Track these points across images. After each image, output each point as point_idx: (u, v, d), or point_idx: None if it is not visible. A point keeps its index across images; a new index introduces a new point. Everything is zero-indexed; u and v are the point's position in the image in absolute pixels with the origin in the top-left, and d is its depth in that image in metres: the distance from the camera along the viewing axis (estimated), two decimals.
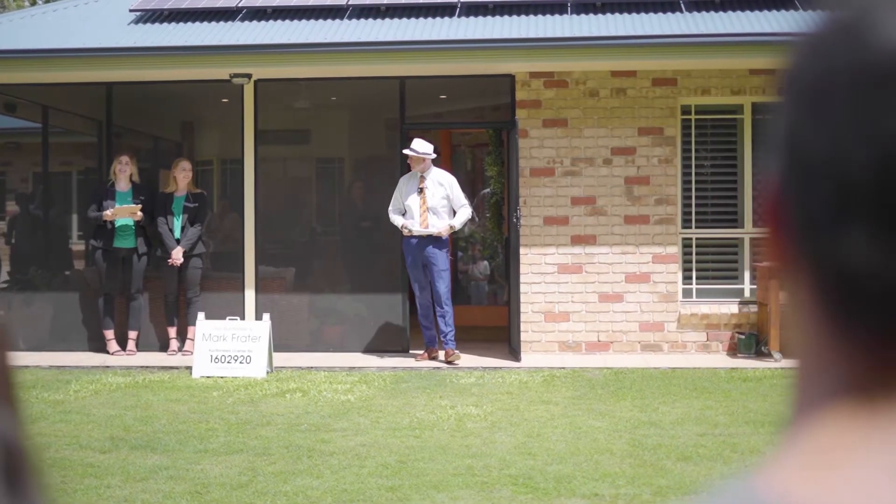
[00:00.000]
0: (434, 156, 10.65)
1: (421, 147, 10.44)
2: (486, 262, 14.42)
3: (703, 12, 10.94)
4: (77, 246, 11.98)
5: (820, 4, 0.65)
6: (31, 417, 7.83)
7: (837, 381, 0.62)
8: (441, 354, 10.58)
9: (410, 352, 11.04)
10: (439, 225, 10.46)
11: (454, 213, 10.60)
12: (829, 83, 0.62)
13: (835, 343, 0.62)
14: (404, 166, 11.22)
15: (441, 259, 10.49)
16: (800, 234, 0.64)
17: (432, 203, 10.47)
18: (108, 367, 10.48)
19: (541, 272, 11.04)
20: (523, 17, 11.10)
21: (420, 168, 10.49)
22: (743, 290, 11.07)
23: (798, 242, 0.64)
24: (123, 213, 10.90)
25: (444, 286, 10.43)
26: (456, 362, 10.36)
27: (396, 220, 10.57)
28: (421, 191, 10.50)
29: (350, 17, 11.28)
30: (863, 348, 0.61)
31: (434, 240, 10.46)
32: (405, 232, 10.48)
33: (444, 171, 10.89)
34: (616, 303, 10.98)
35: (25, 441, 0.67)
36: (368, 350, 11.18)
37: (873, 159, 0.59)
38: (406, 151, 10.58)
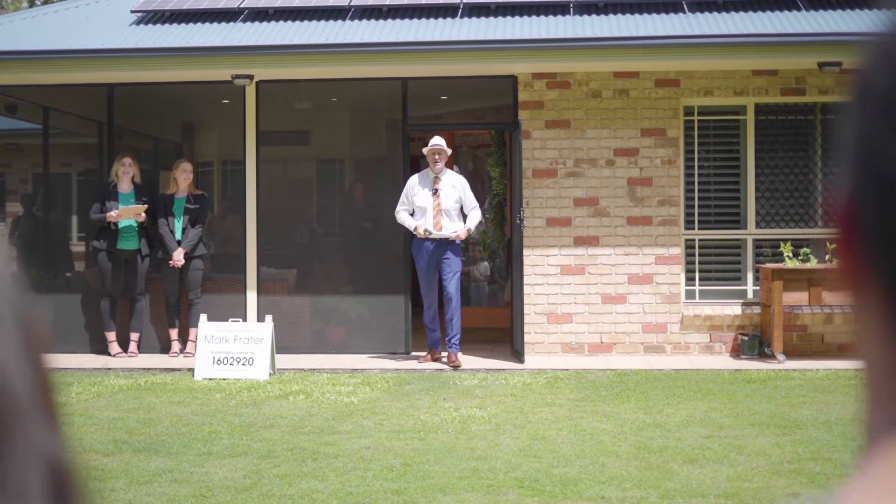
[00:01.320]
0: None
1: (444, 142, 10.36)
2: (486, 263, 14.40)
3: (706, 13, 10.92)
4: (78, 247, 11.96)
5: (887, 5, 0.62)
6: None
7: None
8: (444, 357, 10.54)
9: (413, 353, 11.02)
10: (454, 227, 10.37)
11: (463, 215, 10.54)
12: None
13: None
14: (407, 167, 11.20)
15: (456, 262, 10.41)
16: (873, 247, 0.61)
17: (446, 205, 10.37)
18: (109, 369, 10.46)
19: (543, 273, 11.02)
20: (526, 17, 11.08)
21: (437, 168, 10.41)
22: (746, 291, 11.05)
23: (871, 256, 0.61)
24: (128, 213, 10.88)
25: (454, 288, 10.36)
26: (457, 369, 10.30)
27: (407, 221, 10.40)
28: (436, 192, 10.41)
29: (352, 18, 11.25)
30: None
31: (449, 243, 10.36)
32: (421, 234, 10.32)
33: (456, 174, 10.82)
34: (619, 304, 10.96)
35: (70, 458, 0.64)
36: (371, 352, 11.16)
37: None
38: (432, 144, 10.31)
